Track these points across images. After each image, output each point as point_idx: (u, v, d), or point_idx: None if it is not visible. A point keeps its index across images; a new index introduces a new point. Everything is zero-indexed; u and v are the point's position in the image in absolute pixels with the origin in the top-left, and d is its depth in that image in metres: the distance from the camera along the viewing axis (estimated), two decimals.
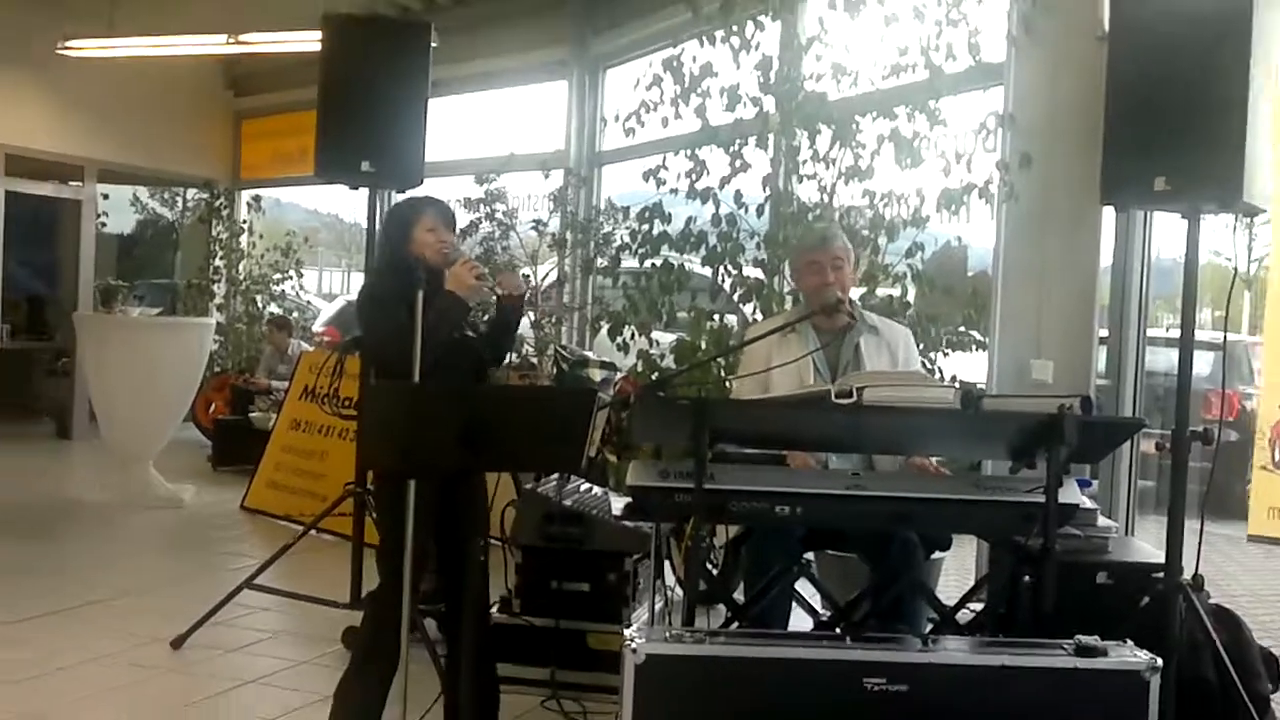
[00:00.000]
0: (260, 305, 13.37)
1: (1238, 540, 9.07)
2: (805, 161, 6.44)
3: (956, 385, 4.06)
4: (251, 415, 10.75)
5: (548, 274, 8.94)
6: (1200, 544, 4.18)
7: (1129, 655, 3.19)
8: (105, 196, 13.21)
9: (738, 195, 6.62)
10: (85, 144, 12.37)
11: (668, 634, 3.18)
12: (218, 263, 13.55)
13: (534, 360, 8.35)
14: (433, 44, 5.66)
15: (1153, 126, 3.95)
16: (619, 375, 6.79)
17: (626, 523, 4.78)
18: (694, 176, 6.66)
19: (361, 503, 5.54)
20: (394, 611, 4.12)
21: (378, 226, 5.72)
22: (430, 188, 5.74)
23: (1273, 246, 5.64)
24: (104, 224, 13.36)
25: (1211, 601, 4.24)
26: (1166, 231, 5.91)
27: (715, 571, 5.26)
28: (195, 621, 5.43)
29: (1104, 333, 6.06)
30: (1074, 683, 3.15)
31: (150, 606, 6.04)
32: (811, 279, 4.51)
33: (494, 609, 4.93)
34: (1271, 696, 4.26)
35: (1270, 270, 5.69)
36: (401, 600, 4.18)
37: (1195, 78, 3.90)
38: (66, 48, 10.79)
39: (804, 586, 4.47)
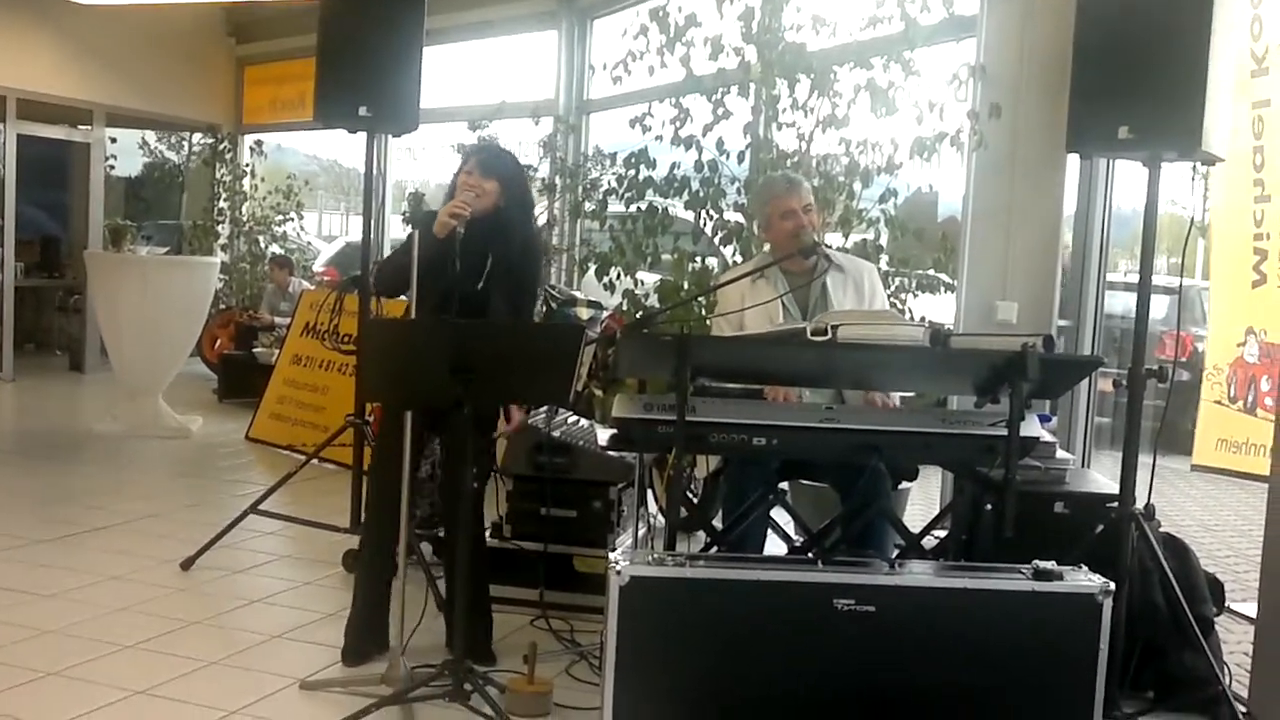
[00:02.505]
0: (263, 245, 13.30)
1: (1187, 473, 9.17)
2: (785, 110, 6.41)
3: (926, 324, 4.05)
4: (255, 350, 10.72)
5: (538, 217, 8.89)
6: (1152, 476, 4.20)
7: (1083, 580, 3.22)
8: (113, 140, 13.08)
9: (720, 142, 6.60)
10: (93, 89, 12.23)
11: (650, 558, 3.20)
12: (222, 204, 13.47)
13: None
14: None
15: (1118, 77, 3.94)
16: (605, 314, 6.78)
17: (611, 453, 4.80)
18: (678, 124, 6.64)
19: (361, 433, 5.54)
20: (372, 530, 4.25)
21: (375, 169, 5.69)
22: (424, 133, 5.72)
23: (1218, 197, 5.64)
24: (112, 167, 13.26)
25: (1162, 530, 4.28)
26: (1126, 182, 5.91)
27: (695, 500, 5.29)
28: (203, 545, 5.44)
29: (1066, 276, 6.07)
30: (1031, 605, 3.18)
31: (160, 530, 6.05)
32: (787, 224, 4.50)
33: (486, 533, 4.96)
34: (1216, 619, 4.31)
35: (1216, 219, 5.70)
36: (379, 520, 4.26)
37: (1159, 30, 3.88)
38: None
39: (779, 514, 4.50)
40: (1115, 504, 4.15)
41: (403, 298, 4.20)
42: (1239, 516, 7.92)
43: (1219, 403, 5.64)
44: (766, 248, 4.74)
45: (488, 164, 4.22)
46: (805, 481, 5.22)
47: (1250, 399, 5.47)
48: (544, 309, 6.58)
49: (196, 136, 14.55)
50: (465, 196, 4.09)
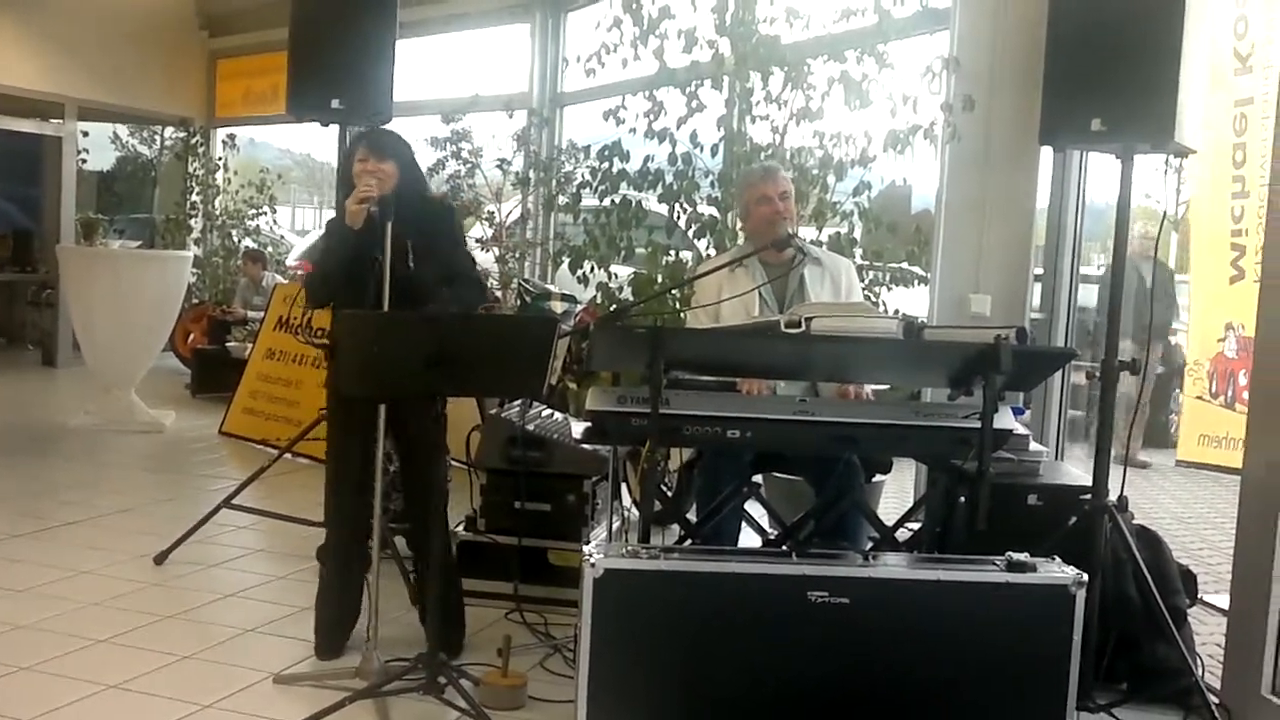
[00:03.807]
0: (236, 239, 13.22)
1: (1160, 466, 9.21)
2: (758, 103, 6.40)
3: (900, 317, 4.05)
4: (228, 344, 10.67)
5: (511, 211, 8.88)
6: (1125, 469, 4.21)
7: (1056, 571, 3.22)
8: (85, 134, 12.97)
9: (693, 135, 6.58)
10: (65, 82, 12.14)
11: (624, 550, 3.19)
12: (194, 198, 13.40)
13: (498, 293, 8.31)
14: None
15: (1090, 70, 3.94)
16: (579, 307, 6.77)
17: (586, 446, 4.79)
18: (652, 117, 6.62)
19: None
20: (333, 522, 4.32)
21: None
22: (398, 126, 5.67)
23: (1198, 193, 5.68)
24: (84, 160, 13.13)
25: (1135, 522, 4.29)
26: (1098, 176, 5.92)
27: (670, 493, 5.28)
28: (177, 539, 5.40)
29: (1039, 270, 6.08)
30: (1005, 596, 3.18)
31: (134, 525, 6.00)
32: (763, 209, 4.49)
33: (459, 528, 4.95)
34: (1188, 611, 4.32)
35: (1194, 214, 5.74)
36: (339, 512, 4.25)
37: (1132, 22, 3.88)
38: None
39: (753, 507, 4.49)
40: (1088, 496, 4.15)
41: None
42: (1211, 509, 7.96)
43: (1200, 398, 5.68)
44: (741, 240, 4.74)
45: (380, 146, 4.18)
46: (779, 474, 5.21)
47: (1230, 394, 5.51)
48: (518, 302, 6.57)
49: (169, 130, 14.46)
50: (368, 181, 4.06)
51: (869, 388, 4.26)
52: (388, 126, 4.89)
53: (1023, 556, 3.23)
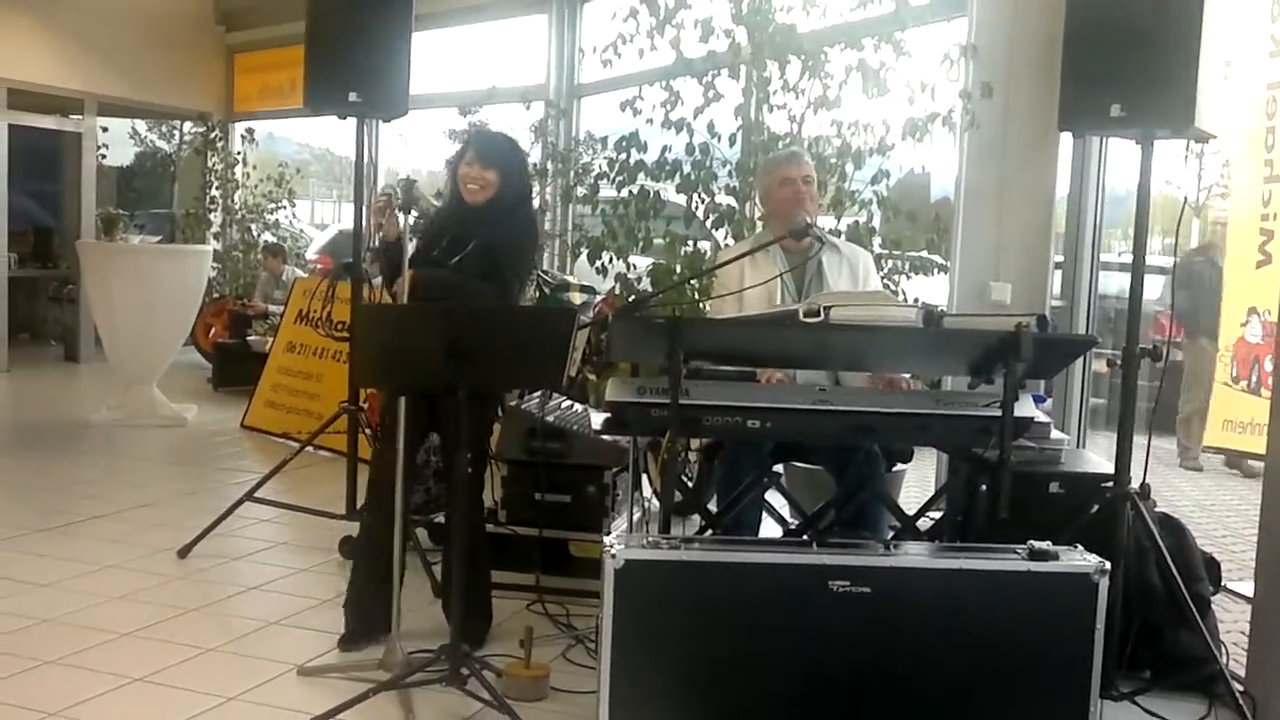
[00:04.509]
0: (255, 233, 13.25)
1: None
2: (775, 92, 6.38)
3: (919, 305, 4.03)
4: (249, 338, 10.70)
5: (533, 200, 8.87)
6: (1147, 456, 4.19)
7: (1079, 559, 3.21)
8: (105, 129, 13.03)
9: (711, 125, 6.56)
10: (84, 78, 12.18)
11: (645, 541, 3.19)
12: (214, 193, 13.46)
13: None
14: None
15: (1109, 55, 3.92)
16: (598, 298, 6.77)
17: (605, 437, 4.80)
18: (669, 107, 6.60)
19: (355, 420, 5.53)
20: (374, 516, 4.30)
21: (366, 156, 5.67)
22: (415, 119, 5.70)
23: (1233, 179, 5.64)
24: (104, 156, 13.20)
25: (1158, 510, 4.27)
26: (1118, 163, 5.89)
27: (690, 483, 5.28)
28: (200, 532, 5.44)
29: (1059, 258, 6.06)
30: (1027, 585, 3.17)
31: (156, 519, 6.04)
32: (785, 191, 4.47)
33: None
34: (1212, 599, 4.31)
35: (1231, 200, 5.70)
36: (380, 507, 4.26)
37: (1151, 6, 3.86)
38: None
39: (774, 497, 4.49)
40: (1110, 484, 4.14)
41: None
42: (1235, 496, 7.92)
43: (1224, 383, 5.64)
44: (759, 227, 4.72)
45: (485, 154, 4.21)
46: (799, 464, 5.21)
47: (1254, 379, 5.47)
48: (537, 294, 6.57)
49: (188, 125, 14.50)
50: (469, 186, 4.13)
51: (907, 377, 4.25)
52: (502, 131, 4.86)
53: (1045, 545, 3.22)
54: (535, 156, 8.70)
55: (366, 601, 4.29)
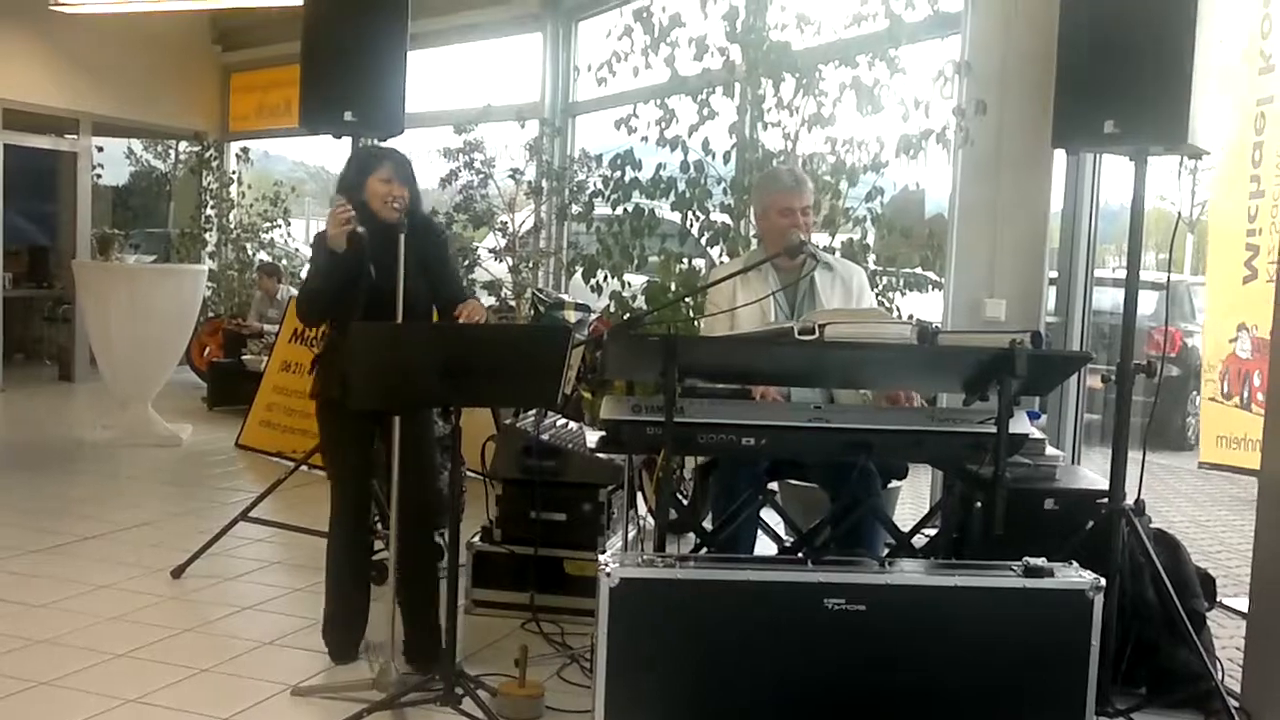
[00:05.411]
0: (250, 253, 13.25)
1: (1177, 469, 9.18)
2: (770, 109, 6.39)
3: (913, 322, 4.04)
4: (244, 358, 10.69)
5: (524, 220, 8.89)
6: (1142, 472, 4.19)
7: (1074, 576, 3.21)
8: (100, 149, 13.03)
9: (705, 143, 6.57)
10: (79, 98, 12.20)
11: (640, 559, 3.19)
12: (209, 212, 13.43)
13: (512, 303, 8.33)
14: None
15: (1103, 72, 3.93)
16: (593, 316, 6.77)
17: (600, 455, 4.79)
18: (663, 125, 6.61)
19: None
20: (338, 528, 4.34)
21: None
22: (410, 138, 5.69)
23: (1215, 192, 5.66)
24: (99, 175, 13.20)
25: (1153, 526, 4.27)
26: (1112, 179, 5.91)
27: (685, 501, 5.28)
28: (194, 552, 5.42)
29: (1054, 274, 6.07)
30: (1022, 602, 3.17)
31: (151, 539, 6.02)
32: (784, 220, 4.48)
33: (475, 538, 4.95)
34: (1207, 614, 4.30)
35: (1211, 214, 5.72)
36: (342, 517, 4.31)
37: (1144, 23, 3.87)
38: (59, 4, 10.60)
39: (769, 515, 4.48)
40: (1105, 500, 4.14)
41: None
42: (1230, 511, 7.93)
43: (1213, 399, 5.66)
44: (754, 245, 4.73)
45: (402, 171, 4.22)
46: (794, 482, 5.21)
47: (1245, 395, 5.49)
48: (532, 312, 6.58)
49: (183, 144, 14.51)
50: (391, 204, 4.13)
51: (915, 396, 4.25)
52: (392, 145, 4.90)
53: (1040, 561, 3.22)
54: (530, 174, 8.73)
55: (347, 611, 4.34)
